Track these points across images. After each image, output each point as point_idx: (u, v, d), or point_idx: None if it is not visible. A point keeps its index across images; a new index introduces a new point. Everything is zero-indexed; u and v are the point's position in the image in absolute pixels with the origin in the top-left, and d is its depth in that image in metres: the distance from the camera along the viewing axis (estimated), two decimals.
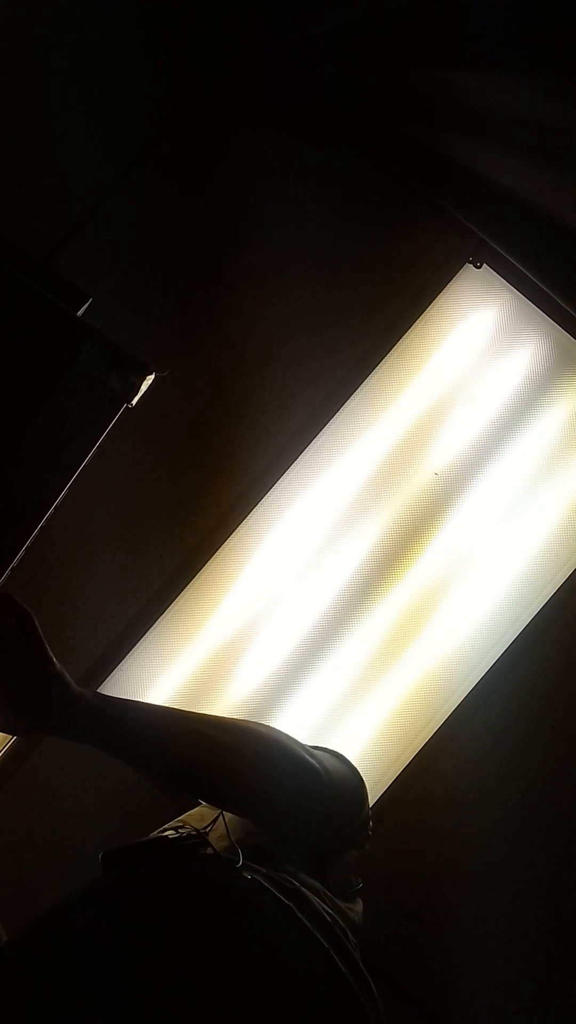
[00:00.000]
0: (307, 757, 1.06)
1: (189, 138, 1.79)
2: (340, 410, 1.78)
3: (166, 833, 0.93)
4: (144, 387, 0.90)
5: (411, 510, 1.79)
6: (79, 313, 0.92)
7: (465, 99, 1.38)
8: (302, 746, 1.09)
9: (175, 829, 0.92)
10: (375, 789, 1.75)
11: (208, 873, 0.87)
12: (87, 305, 0.94)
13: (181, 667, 1.75)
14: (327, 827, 1.04)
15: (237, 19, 1.64)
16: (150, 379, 0.90)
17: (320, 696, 1.76)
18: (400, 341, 1.79)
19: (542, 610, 1.79)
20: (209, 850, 0.90)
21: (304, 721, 1.75)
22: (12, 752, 1.69)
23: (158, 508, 1.75)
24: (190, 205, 1.79)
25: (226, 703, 1.74)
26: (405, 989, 1.71)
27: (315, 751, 1.12)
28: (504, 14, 1.14)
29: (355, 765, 1.15)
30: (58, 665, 0.93)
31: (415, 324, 1.79)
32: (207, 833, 0.91)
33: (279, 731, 1.10)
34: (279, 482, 1.76)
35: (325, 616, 1.78)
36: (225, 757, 0.98)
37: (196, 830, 0.90)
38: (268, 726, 1.11)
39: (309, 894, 0.93)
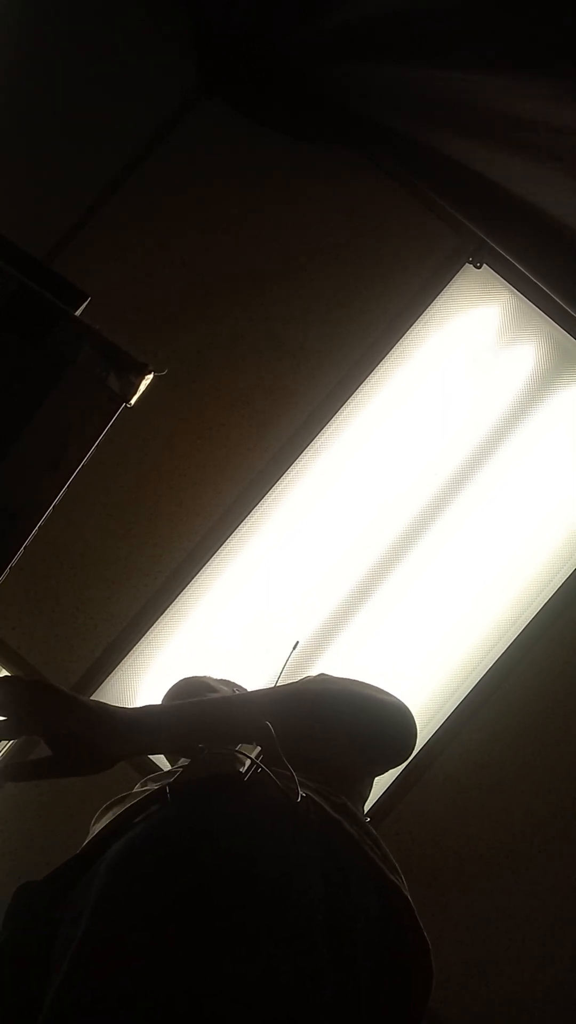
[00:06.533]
0: (384, 696, 1.09)
1: (189, 138, 1.79)
2: (340, 410, 1.78)
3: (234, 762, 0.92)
4: (143, 387, 0.90)
5: (409, 510, 1.80)
6: (78, 313, 0.92)
7: (466, 99, 1.38)
8: (376, 688, 1.12)
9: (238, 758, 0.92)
10: (374, 791, 1.75)
11: (271, 793, 0.88)
12: (86, 304, 0.94)
13: (180, 668, 1.75)
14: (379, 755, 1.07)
15: (239, 20, 1.64)
16: (149, 379, 0.90)
17: None
18: (400, 341, 1.79)
19: (543, 610, 1.78)
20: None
21: None
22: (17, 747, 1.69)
23: (158, 509, 1.75)
24: (190, 204, 1.79)
25: None
26: None
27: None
28: (506, 15, 1.15)
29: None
30: (91, 702, 0.93)
31: (415, 324, 1.79)
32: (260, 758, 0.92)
33: (337, 680, 1.12)
34: (279, 482, 1.77)
35: (321, 620, 1.78)
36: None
37: (253, 759, 0.90)
38: (323, 678, 1.13)
39: (354, 809, 0.95)
